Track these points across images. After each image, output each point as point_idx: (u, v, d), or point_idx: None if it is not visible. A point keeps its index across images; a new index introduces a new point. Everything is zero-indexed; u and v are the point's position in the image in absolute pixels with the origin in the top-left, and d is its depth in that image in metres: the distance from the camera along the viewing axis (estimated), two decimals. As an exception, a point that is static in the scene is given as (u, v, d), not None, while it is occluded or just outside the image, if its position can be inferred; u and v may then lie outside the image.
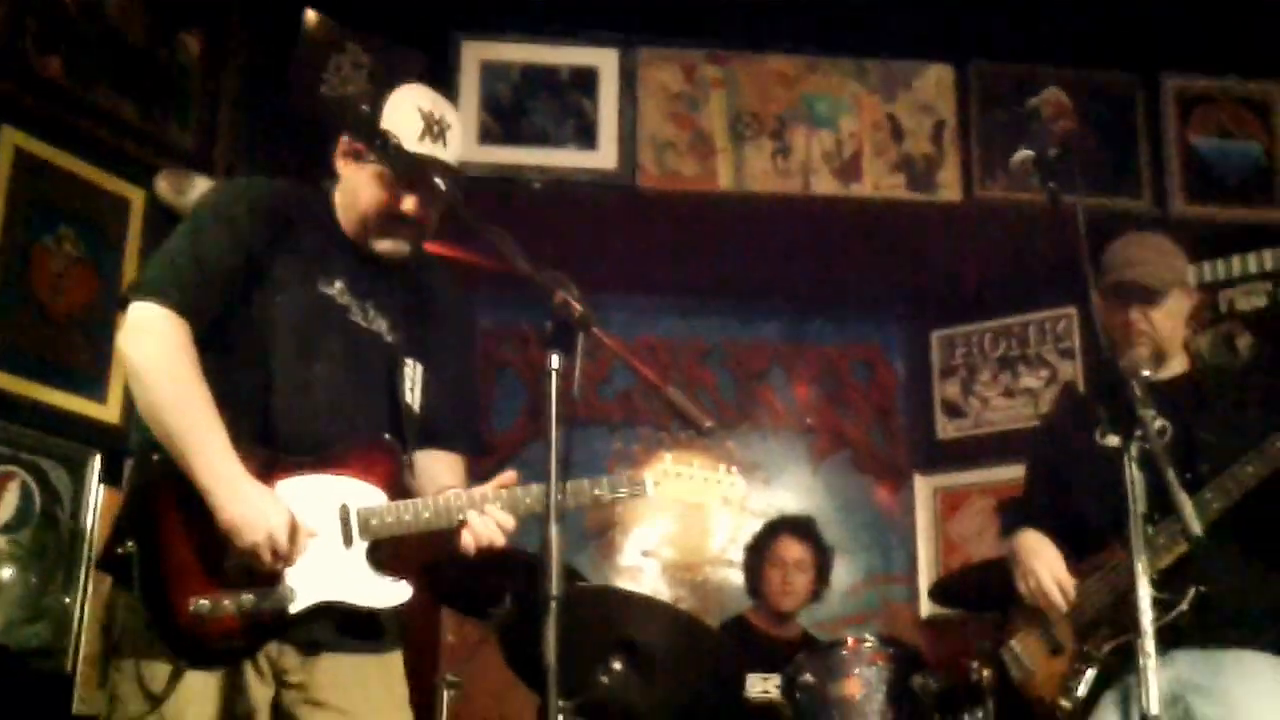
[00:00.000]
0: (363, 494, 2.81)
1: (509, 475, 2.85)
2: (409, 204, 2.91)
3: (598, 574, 6.03)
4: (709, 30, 5.73)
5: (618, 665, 3.87)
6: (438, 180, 2.82)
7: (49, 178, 4.41)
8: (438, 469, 3.03)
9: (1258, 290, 5.73)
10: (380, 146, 2.86)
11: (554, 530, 2.36)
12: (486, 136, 5.54)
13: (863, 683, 4.26)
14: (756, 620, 5.41)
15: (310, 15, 5.21)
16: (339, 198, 3.00)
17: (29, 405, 4.24)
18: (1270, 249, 5.73)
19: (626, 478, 2.91)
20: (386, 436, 2.88)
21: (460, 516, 2.80)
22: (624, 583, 6.24)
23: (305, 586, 2.71)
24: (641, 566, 6.40)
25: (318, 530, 2.74)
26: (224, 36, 5.05)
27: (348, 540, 2.77)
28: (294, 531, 2.67)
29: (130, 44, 4.70)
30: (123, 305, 2.77)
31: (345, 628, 2.80)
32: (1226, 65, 5.84)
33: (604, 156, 5.60)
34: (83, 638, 4.24)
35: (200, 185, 4.65)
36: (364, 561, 2.79)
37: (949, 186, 5.70)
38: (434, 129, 2.90)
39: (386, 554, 2.83)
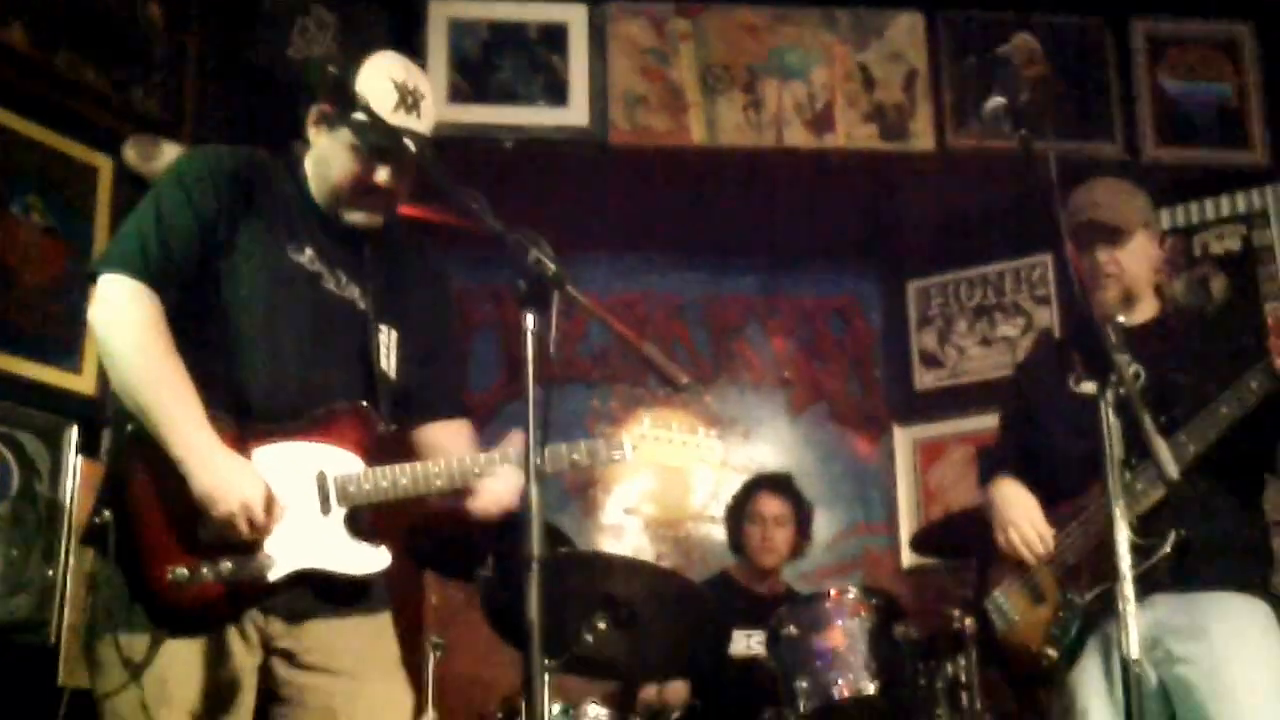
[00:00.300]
0: (339, 461, 2.80)
1: (517, 436, 2.77)
2: (382, 175, 2.87)
3: (580, 532, 6.02)
4: (677, -17, 5.70)
5: (601, 623, 3.87)
6: (411, 149, 2.78)
7: (15, 147, 4.37)
8: (446, 440, 3.03)
9: (1231, 233, 5.74)
10: (347, 115, 2.81)
11: (534, 491, 2.35)
12: (456, 95, 5.50)
13: (845, 633, 4.27)
14: (740, 576, 5.41)
15: (275, -26, 5.17)
16: (310, 165, 2.96)
17: (2, 377, 4.22)
18: (1242, 191, 5.74)
19: (605, 443, 2.90)
20: (362, 403, 2.87)
21: (438, 483, 2.79)
22: (606, 540, 6.25)
23: (284, 554, 2.71)
24: (623, 524, 6.40)
25: (295, 498, 2.73)
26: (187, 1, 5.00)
27: (325, 507, 2.77)
28: (270, 500, 2.66)
29: (93, 10, 4.64)
30: (91, 279, 2.75)
31: (328, 594, 2.79)
32: (1194, 7, 5.83)
33: (575, 113, 5.57)
34: (66, 609, 4.24)
35: (169, 152, 4.61)
36: (342, 528, 2.78)
37: (921, 135, 5.68)
38: (408, 100, 2.86)
39: (365, 521, 2.83)
